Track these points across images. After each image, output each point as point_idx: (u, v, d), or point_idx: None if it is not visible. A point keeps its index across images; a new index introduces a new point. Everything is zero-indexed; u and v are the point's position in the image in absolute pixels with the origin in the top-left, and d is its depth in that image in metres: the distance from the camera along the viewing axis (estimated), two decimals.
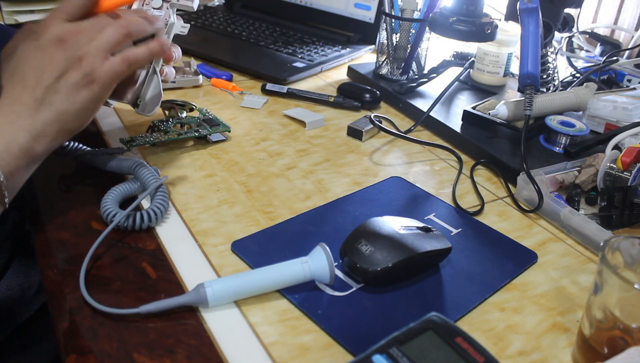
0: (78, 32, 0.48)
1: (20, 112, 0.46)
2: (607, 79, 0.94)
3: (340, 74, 0.95)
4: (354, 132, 0.72)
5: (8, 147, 0.44)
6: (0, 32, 0.72)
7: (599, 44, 1.10)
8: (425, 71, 0.89)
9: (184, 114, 0.70)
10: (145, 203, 0.54)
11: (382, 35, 0.88)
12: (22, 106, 0.46)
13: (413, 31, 0.86)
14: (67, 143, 0.58)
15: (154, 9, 0.57)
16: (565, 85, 0.87)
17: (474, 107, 0.76)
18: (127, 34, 0.50)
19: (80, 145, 0.59)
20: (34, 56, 0.48)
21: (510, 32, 0.87)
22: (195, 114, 0.71)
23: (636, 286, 0.36)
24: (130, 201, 0.52)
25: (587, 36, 1.13)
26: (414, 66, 0.89)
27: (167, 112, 0.71)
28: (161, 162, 0.62)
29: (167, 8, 0.57)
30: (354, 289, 0.46)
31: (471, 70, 0.92)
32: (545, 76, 0.81)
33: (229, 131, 0.69)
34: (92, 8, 0.51)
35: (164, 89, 0.80)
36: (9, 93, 0.47)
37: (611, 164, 0.61)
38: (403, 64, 0.88)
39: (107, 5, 0.52)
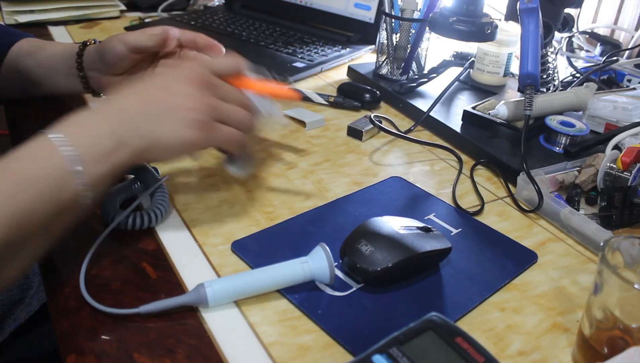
0: (216, 85, 0.48)
1: (121, 118, 0.44)
2: (607, 79, 0.94)
3: (340, 74, 0.95)
4: (354, 132, 0.72)
5: (93, 149, 0.41)
6: (4, 32, 0.73)
7: (599, 44, 1.10)
8: (425, 71, 0.89)
9: None
10: (146, 203, 0.54)
11: (382, 35, 0.88)
12: (125, 114, 0.44)
13: (413, 31, 0.86)
14: None
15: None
16: (565, 85, 0.87)
17: (474, 107, 0.76)
18: (250, 127, 0.50)
19: None
20: (165, 78, 0.47)
21: (510, 32, 0.87)
22: None
23: (636, 286, 0.36)
24: (130, 201, 0.52)
25: (587, 36, 1.13)
26: (414, 66, 0.89)
27: None
28: (161, 162, 0.62)
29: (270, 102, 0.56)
30: (354, 289, 0.46)
31: (471, 70, 0.92)
32: (545, 76, 0.81)
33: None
34: (235, 77, 0.51)
35: None
36: (122, 95, 0.46)
37: (611, 164, 0.61)
38: (403, 64, 0.88)
39: (244, 85, 0.52)
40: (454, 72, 0.88)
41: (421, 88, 0.86)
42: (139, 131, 0.44)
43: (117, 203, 0.52)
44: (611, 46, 1.07)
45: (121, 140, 0.43)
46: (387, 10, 0.86)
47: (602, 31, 1.16)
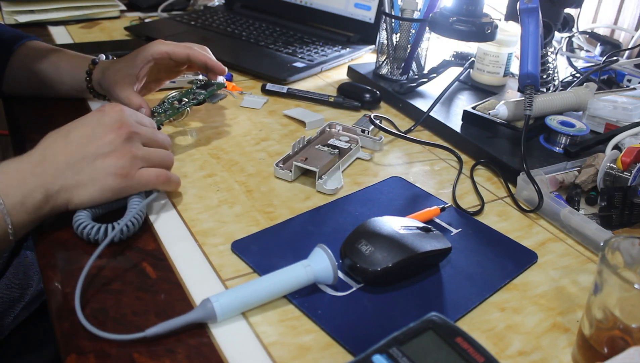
0: (138, 133, 0.51)
1: (47, 169, 0.47)
2: (607, 79, 0.94)
3: (340, 74, 0.95)
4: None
5: (24, 200, 0.45)
6: (12, 31, 0.74)
7: (599, 44, 1.10)
8: (425, 71, 0.89)
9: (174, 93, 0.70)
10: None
11: (382, 35, 0.88)
12: (51, 165, 0.47)
13: (413, 31, 0.86)
14: None
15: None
16: (565, 85, 0.87)
17: (474, 107, 0.76)
18: (170, 163, 0.54)
19: None
20: (90, 123, 0.50)
21: (510, 32, 0.87)
22: (188, 87, 0.71)
23: (636, 286, 0.36)
24: (122, 211, 0.51)
25: (587, 36, 1.13)
26: (414, 66, 0.89)
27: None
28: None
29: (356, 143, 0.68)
30: (354, 289, 0.46)
31: (471, 70, 0.92)
32: (545, 76, 0.81)
33: (225, 87, 0.70)
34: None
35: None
36: (48, 145, 0.48)
37: (611, 164, 0.61)
38: (403, 64, 0.88)
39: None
40: (454, 72, 0.88)
41: (421, 88, 0.86)
42: (65, 183, 0.47)
43: (88, 216, 0.49)
44: (611, 46, 1.07)
45: (48, 193, 0.46)
46: (387, 10, 0.86)
47: (602, 31, 1.16)
